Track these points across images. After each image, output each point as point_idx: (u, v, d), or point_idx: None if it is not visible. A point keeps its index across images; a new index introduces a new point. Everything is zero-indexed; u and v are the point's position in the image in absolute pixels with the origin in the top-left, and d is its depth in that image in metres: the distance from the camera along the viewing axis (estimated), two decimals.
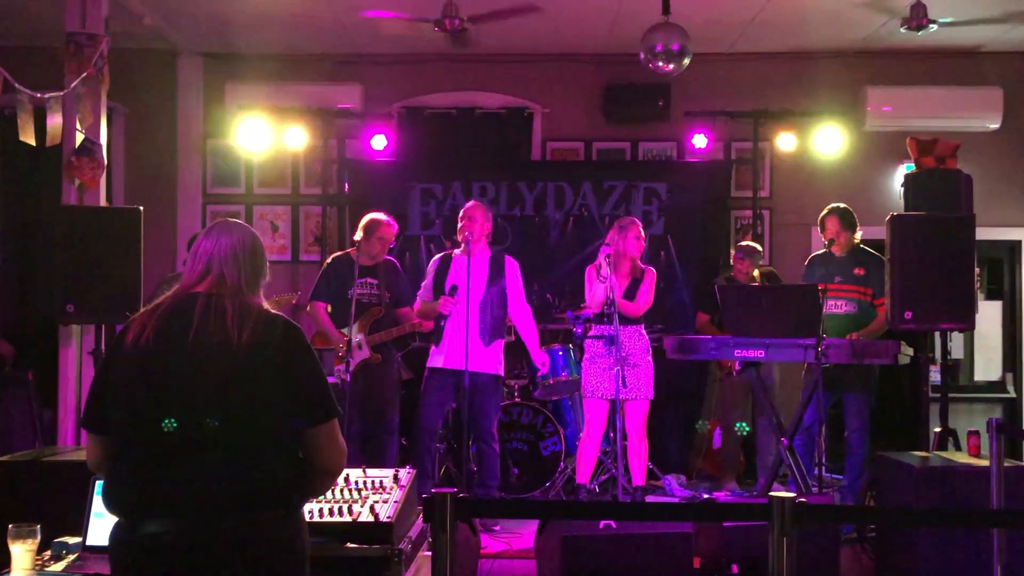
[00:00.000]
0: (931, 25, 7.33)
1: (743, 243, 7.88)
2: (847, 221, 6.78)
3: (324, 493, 3.14)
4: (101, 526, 3.47)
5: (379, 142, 8.66)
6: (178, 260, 8.47)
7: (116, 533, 2.74)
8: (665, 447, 8.33)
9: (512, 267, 6.83)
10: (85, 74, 6.27)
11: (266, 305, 2.90)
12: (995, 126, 8.72)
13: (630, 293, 6.55)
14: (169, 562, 2.65)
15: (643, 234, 6.69)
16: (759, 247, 7.79)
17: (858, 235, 6.85)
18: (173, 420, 2.68)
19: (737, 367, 7.52)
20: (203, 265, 2.86)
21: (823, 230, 6.85)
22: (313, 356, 2.85)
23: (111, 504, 2.75)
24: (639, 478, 6.57)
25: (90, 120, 6.40)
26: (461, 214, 6.76)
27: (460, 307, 6.52)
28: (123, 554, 2.71)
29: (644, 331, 6.65)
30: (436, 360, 6.70)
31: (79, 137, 6.36)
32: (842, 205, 6.87)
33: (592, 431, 6.58)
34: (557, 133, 9.10)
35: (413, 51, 8.84)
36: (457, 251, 6.84)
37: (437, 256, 7.03)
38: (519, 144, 9.04)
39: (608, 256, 6.39)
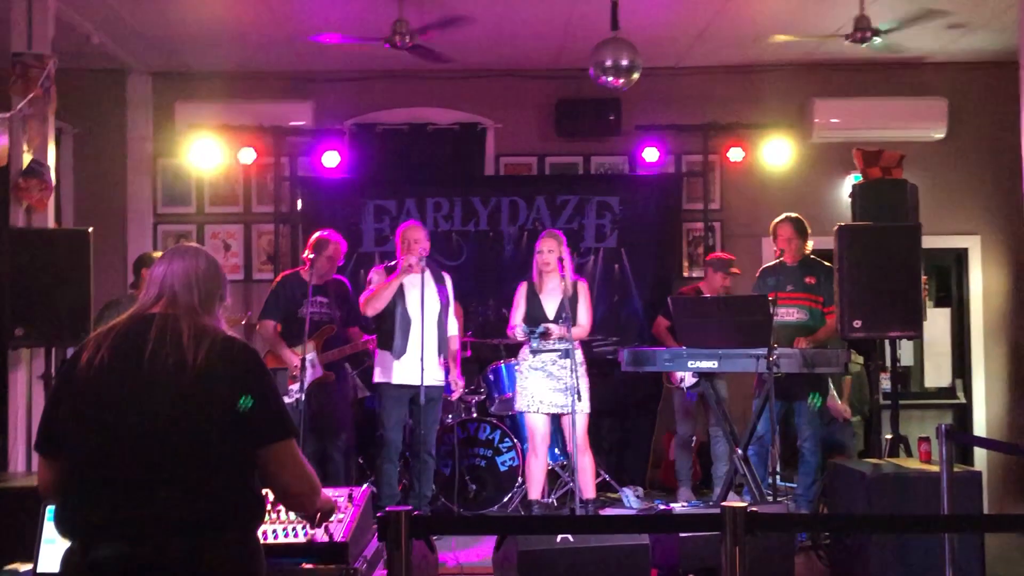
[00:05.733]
0: (875, 38, 7.43)
1: (713, 257, 7.92)
2: (799, 229, 6.89)
3: (302, 513, 3.07)
4: (52, 552, 3.42)
5: (331, 159, 8.64)
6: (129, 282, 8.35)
7: (67, 557, 2.70)
8: (621, 459, 8.38)
9: (449, 281, 6.89)
10: (32, 95, 6.21)
11: (224, 327, 2.89)
12: (940, 136, 8.87)
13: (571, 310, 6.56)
14: None
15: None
16: (727, 257, 7.85)
17: (809, 244, 6.96)
18: (126, 441, 2.66)
19: (686, 384, 7.56)
20: (157, 289, 2.85)
21: (775, 238, 6.94)
22: (269, 377, 2.85)
23: (62, 527, 2.72)
24: (588, 491, 6.59)
25: (37, 141, 6.34)
26: (406, 235, 6.67)
27: (414, 327, 6.50)
28: None
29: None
30: (391, 375, 6.58)
31: (26, 159, 6.30)
32: (794, 214, 6.98)
33: (538, 446, 6.59)
34: (510, 148, 9.11)
35: (364, 68, 8.83)
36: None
37: (380, 265, 6.97)
38: (472, 159, 9.04)
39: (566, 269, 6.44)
